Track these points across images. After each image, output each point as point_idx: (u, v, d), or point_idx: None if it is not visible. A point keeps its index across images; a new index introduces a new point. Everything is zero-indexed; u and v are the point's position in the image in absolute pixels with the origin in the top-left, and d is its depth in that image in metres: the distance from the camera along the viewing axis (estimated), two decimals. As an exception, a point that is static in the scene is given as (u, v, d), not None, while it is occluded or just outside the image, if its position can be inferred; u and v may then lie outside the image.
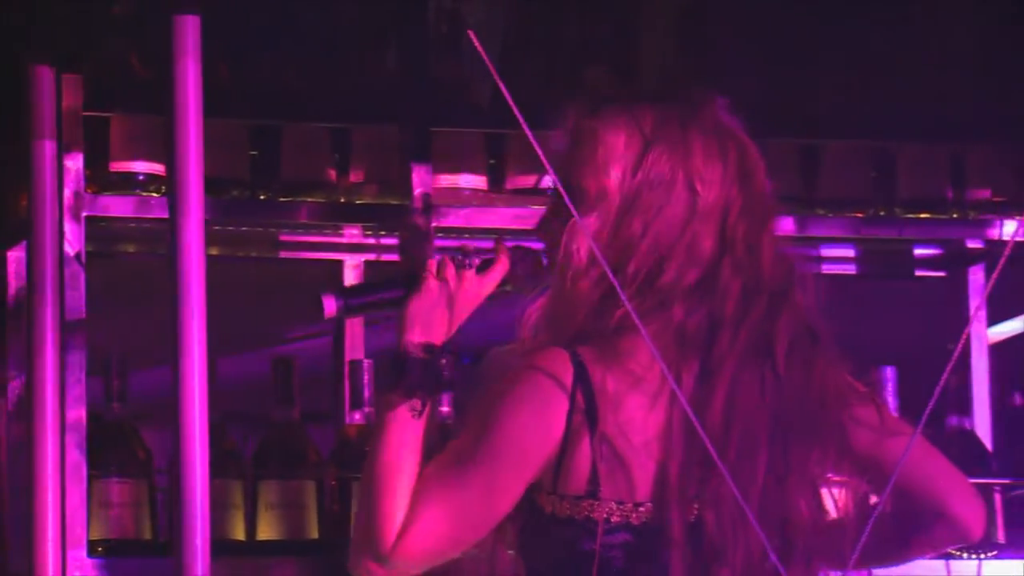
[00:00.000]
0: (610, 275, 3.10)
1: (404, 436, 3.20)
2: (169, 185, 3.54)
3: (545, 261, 3.30)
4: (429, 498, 3.15)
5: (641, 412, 3.15)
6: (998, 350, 4.88)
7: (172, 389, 3.50)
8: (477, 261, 3.24)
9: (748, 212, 3.24)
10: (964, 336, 3.69)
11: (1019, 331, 4.94)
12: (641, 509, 3.12)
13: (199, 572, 3.44)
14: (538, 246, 3.35)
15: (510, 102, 2.92)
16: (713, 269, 3.20)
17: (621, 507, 3.11)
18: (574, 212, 3.15)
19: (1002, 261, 3.88)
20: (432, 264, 3.22)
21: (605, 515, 3.11)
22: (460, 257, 3.24)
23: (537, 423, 3.14)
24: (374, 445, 3.23)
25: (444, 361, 3.21)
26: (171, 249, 3.55)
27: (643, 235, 3.22)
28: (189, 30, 3.50)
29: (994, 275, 4.49)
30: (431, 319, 3.22)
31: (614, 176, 3.22)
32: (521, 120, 2.93)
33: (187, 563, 3.42)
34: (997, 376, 4.74)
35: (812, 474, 3.23)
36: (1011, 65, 4.43)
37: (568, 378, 3.11)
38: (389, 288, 3.29)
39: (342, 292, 3.33)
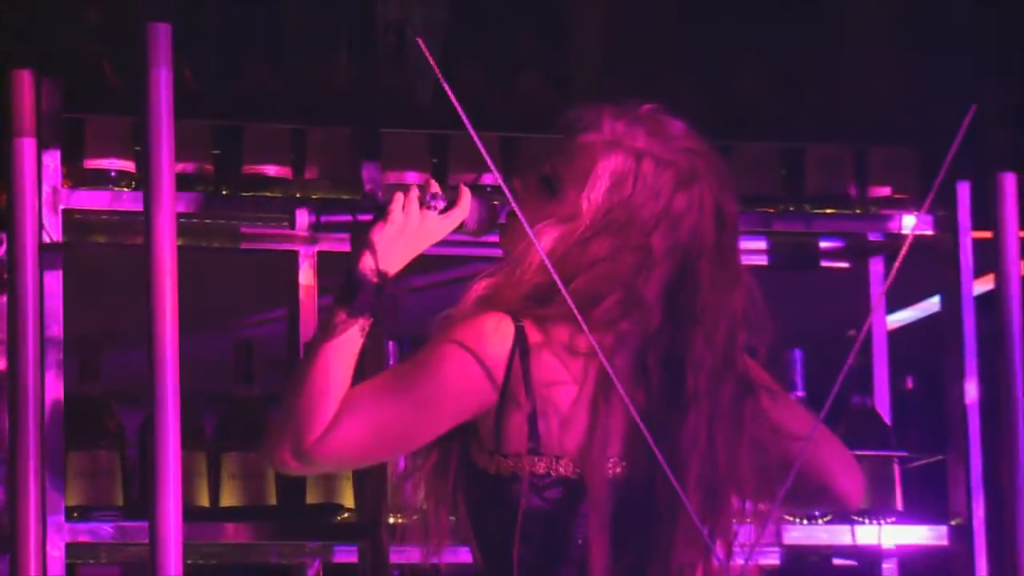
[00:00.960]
0: (563, 290, 3.07)
1: (344, 349, 3.18)
2: (145, 181, 3.49)
3: (500, 216, 3.33)
4: (358, 409, 3.15)
5: (570, 380, 3.17)
6: (893, 337, 4.90)
7: (148, 367, 3.47)
8: (442, 204, 3.23)
9: (713, 226, 3.27)
10: (867, 323, 3.69)
11: (913, 320, 4.92)
12: (572, 464, 3.14)
13: (172, 535, 3.42)
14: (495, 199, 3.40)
15: (456, 105, 2.93)
16: (665, 286, 3.24)
17: (557, 462, 3.13)
18: (514, 206, 3.19)
19: (903, 252, 3.93)
20: (399, 196, 3.22)
21: (544, 469, 3.13)
22: (427, 197, 3.23)
23: (474, 371, 3.15)
24: (314, 350, 3.20)
25: (391, 291, 3.22)
26: (146, 240, 3.52)
27: (611, 252, 3.23)
28: (161, 37, 3.45)
29: (895, 266, 4.46)
30: (389, 250, 3.23)
31: (596, 192, 3.22)
32: (466, 120, 2.96)
33: (161, 527, 3.41)
34: (893, 361, 4.72)
35: (728, 442, 3.21)
36: (912, 70, 4.51)
37: (509, 340, 3.13)
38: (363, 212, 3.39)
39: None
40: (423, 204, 3.22)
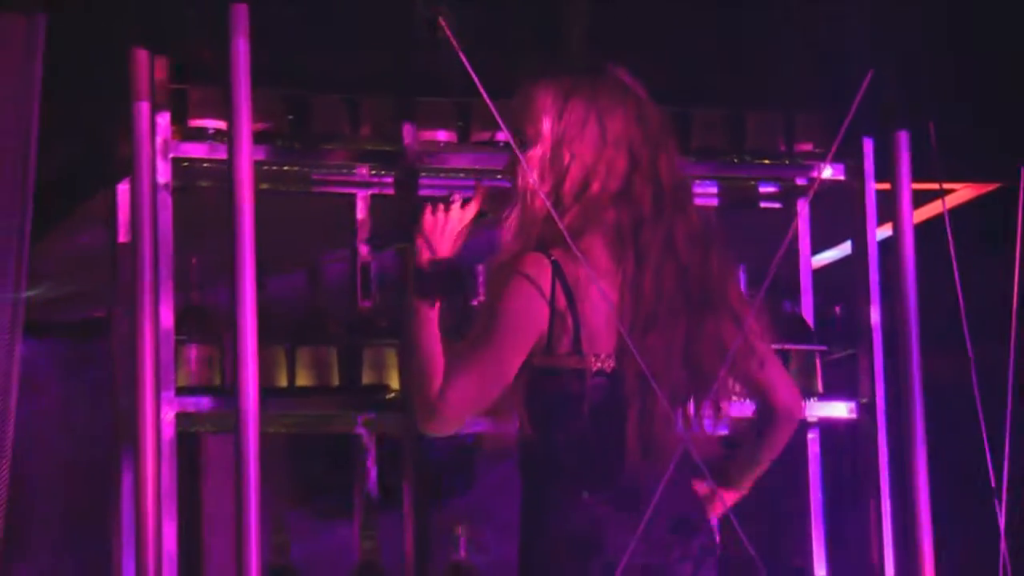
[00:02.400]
0: (543, 198, 3.21)
1: (428, 326, 3.20)
2: (228, 134, 3.52)
3: (512, 197, 3.32)
4: (458, 367, 3.16)
5: (606, 288, 3.17)
6: (824, 272, 4.88)
7: (232, 282, 3.49)
8: (459, 198, 3.26)
9: (648, 141, 3.27)
10: (789, 234, 3.62)
11: (839, 257, 4.88)
12: (609, 360, 3.16)
13: (250, 407, 3.47)
14: (504, 184, 3.40)
15: (476, 80, 3.13)
16: (629, 182, 3.23)
17: (596, 359, 3.16)
18: (519, 154, 3.25)
19: (812, 191, 3.94)
20: (427, 207, 3.25)
21: (582, 365, 3.15)
22: (448, 199, 3.26)
23: (527, 308, 3.17)
24: (411, 338, 3.24)
25: (450, 269, 3.24)
26: (228, 183, 3.53)
27: (571, 162, 3.25)
28: (240, 16, 3.43)
29: (807, 200, 4.48)
30: (433, 243, 3.24)
31: (544, 124, 3.26)
32: (483, 92, 3.14)
33: (243, 400, 3.47)
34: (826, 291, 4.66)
35: (716, 335, 3.23)
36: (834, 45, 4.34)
37: (547, 273, 3.15)
38: (401, 237, 3.38)
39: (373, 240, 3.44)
40: (446, 205, 3.25)
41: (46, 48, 3.79)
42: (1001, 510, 3.85)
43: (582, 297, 3.17)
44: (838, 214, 4.57)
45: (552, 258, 3.16)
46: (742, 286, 4.23)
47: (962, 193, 4.87)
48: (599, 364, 3.18)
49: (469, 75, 3.22)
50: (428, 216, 3.29)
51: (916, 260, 4.17)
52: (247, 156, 3.51)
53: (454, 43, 3.22)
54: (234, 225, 3.52)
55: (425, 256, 3.30)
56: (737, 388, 3.37)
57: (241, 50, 3.40)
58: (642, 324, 3.19)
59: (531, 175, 3.25)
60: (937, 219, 4.69)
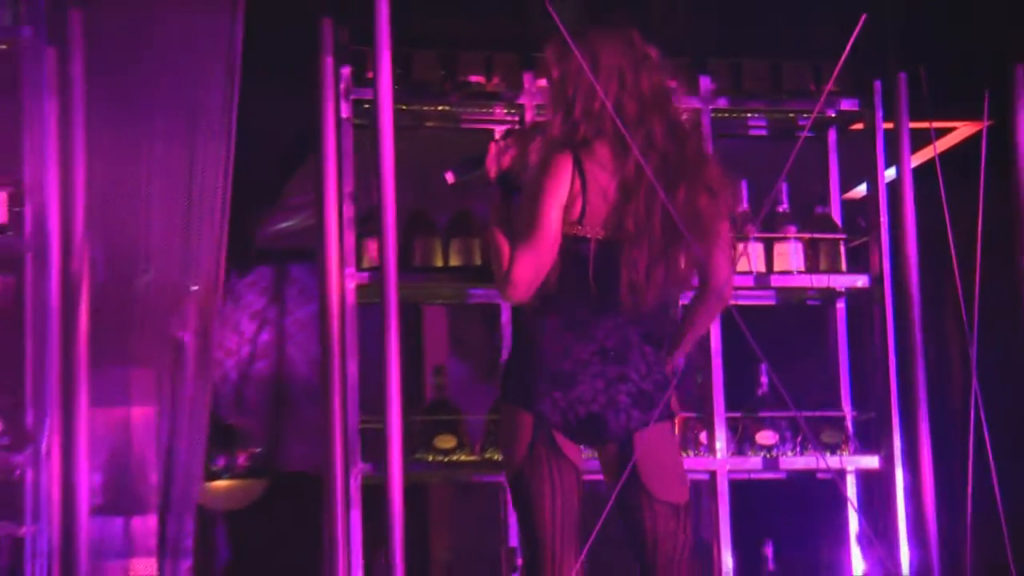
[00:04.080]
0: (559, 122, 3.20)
1: (500, 220, 3.26)
2: (375, 82, 3.28)
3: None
4: (518, 249, 3.16)
5: (604, 180, 3.18)
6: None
7: (379, 200, 3.26)
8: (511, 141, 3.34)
9: (633, 66, 3.22)
10: (791, 157, 3.38)
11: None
12: (606, 230, 3.16)
13: (391, 281, 3.23)
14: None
15: (561, 28, 3.10)
16: (618, 98, 3.19)
17: (594, 228, 3.16)
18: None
19: (817, 111, 3.93)
20: (492, 146, 3.33)
21: (585, 233, 3.16)
22: (502, 136, 3.38)
23: (558, 191, 3.16)
24: (490, 229, 3.27)
25: (507, 177, 3.30)
26: (373, 120, 3.30)
27: (575, 92, 3.21)
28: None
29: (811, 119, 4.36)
30: (499, 162, 3.31)
31: (554, 71, 3.27)
32: (574, 49, 3.11)
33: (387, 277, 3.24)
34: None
35: (689, 202, 3.17)
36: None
37: (570, 165, 3.17)
38: (478, 163, 3.35)
39: (455, 168, 3.38)
40: (503, 137, 3.37)
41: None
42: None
43: (591, 183, 3.17)
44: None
45: (576, 154, 3.17)
46: (785, 201, 4.11)
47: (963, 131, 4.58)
48: (594, 233, 3.17)
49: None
50: (492, 145, 3.37)
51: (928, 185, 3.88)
52: (388, 100, 3.32)
53: (555, 17, 3.17)
54: (379, 151, 3.33)
55: (492, 173, 3.34)
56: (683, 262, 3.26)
57: (383, 10, 3.27)
58: (626, 200, 3.17)
59: (549, 107, 3.30)
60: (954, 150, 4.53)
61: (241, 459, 5.36)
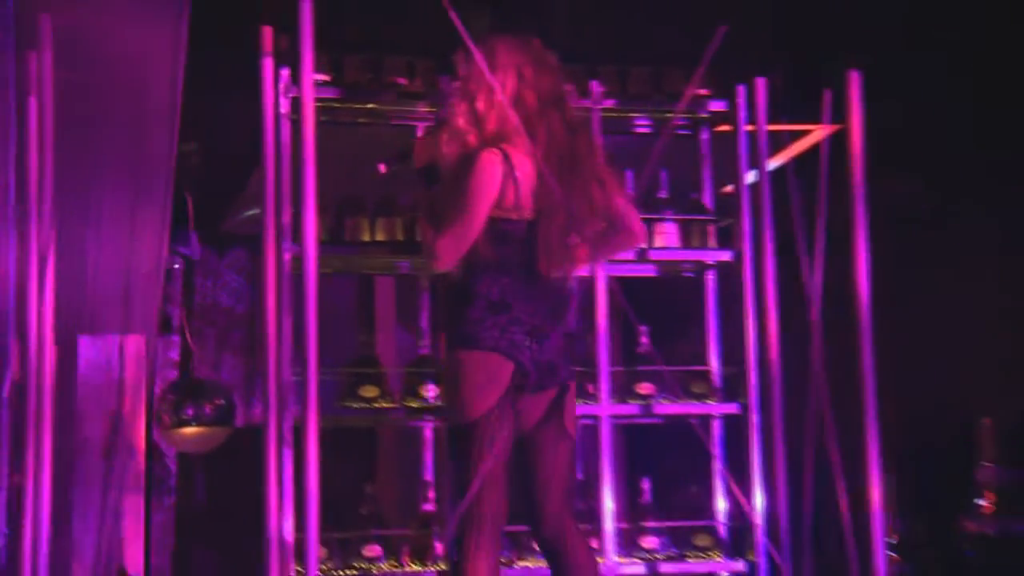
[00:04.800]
0: (463, 119, 3.17)
1: (425, 204, 3.29)
2: (299, 82, 3.32)
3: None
4: (445, 229, 3.13)
5: (528, 167, 3.16)
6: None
7: (297, 186, 3.31)
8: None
9: (531, 64, 3.23)
10: (659, 145, 3.44)
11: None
12: (530, 212, 3.16)
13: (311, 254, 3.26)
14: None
15: (468, 42, 3.10)
16: (518, 93, 3.20)
17: (521, 211, 3.15)
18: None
19: (677, 110, 3.82)
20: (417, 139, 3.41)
21: (515, 216, 3.15)
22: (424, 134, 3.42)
23: (491, 181, 3.13)
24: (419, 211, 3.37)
25: (434, 168, 3.29)
26: (298, 114, 3.32)
27: (478, 88, 3.20)
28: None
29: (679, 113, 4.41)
30: (424, 155, 3.32)
31: (461, 70, 3.24)
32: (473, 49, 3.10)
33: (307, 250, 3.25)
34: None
35: (584, 191, 3.20)
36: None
37: (500, 162, 3.13)
38: (406, 156, 3.38)
39: (387, 160, 3.39)
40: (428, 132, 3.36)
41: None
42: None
43: (520, 173, 3.15)
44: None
45: (504, 152, 3.14)
46: (664, 189, 4.09)
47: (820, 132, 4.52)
48: (526, 215, 3.17)
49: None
50: (419, 139, 3.40)
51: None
52: (309, 95, 3.36)
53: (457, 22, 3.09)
54: (303, 143, 3.32)
55: (418, 163, 3.35)
56: (600, 224, 3.27)
57: (307, 22, 3.28)
58: (545, 187, 3.16)
59: (459, 107, 3.21)
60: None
61: (207, 409, 5.34)
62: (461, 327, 3.11)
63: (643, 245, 3.37)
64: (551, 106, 3.20)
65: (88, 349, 4.14)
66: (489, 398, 3.05)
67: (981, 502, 4.63)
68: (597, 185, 3.22)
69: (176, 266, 5.33)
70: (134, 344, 4.59)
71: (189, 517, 5.68)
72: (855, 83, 3.61)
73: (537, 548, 3.30)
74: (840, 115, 3.76)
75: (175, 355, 5.54)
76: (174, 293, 5.61)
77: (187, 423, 5.15)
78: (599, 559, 3.69)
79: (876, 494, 3.63)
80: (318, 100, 3.68)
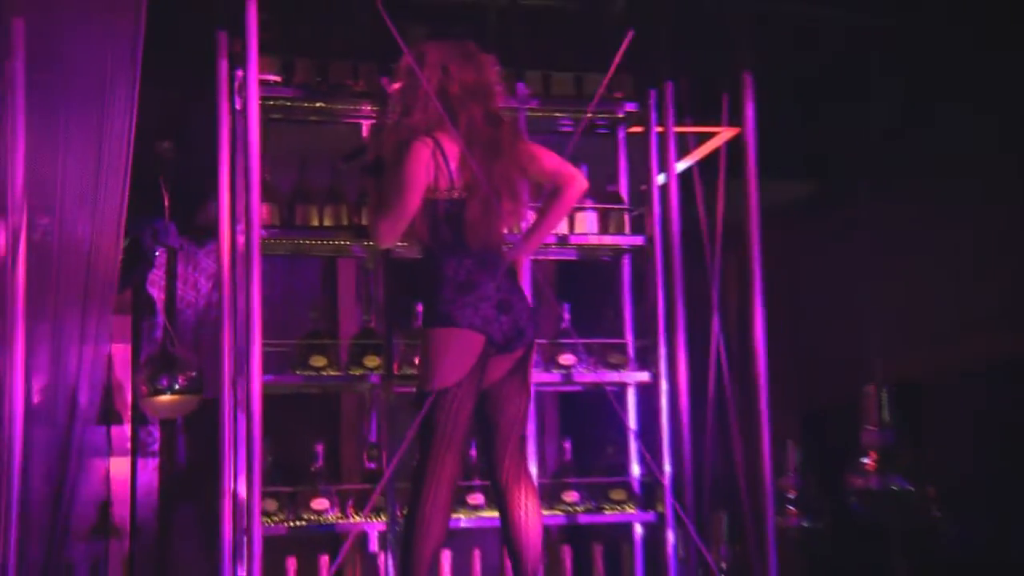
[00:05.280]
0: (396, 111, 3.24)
1: (370, 192, 3.35)
2: (245, 83, 3.38)
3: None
4: (385, 211, 3.20)
5: (456, 149, 3.21)
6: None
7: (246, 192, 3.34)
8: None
9: (455, 60, 3.27)
10: (575, 136, 3.53)
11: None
12: (460, 192, 3.20)
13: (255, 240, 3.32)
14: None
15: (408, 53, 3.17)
16: (442, 86, 3.25)
17: (452, 191, 3.20)
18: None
19: (587, 112, 3.79)
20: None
21: (449, 196, 3.20)
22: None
23: (425, 167, 3.20)
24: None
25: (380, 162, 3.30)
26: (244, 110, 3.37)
27: (408, 86, 3.27)
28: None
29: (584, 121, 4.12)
30: (371, 150, 3.36)
31: (397, 72, 3.31)
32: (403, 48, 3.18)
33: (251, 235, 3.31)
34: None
35: (506, 175, 3.22)
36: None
37: (431, 146, 3.20)
38: (360, 152, 3.45)
39: (344, 156, 3.46)
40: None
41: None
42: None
43: (451, 157, 3.21)
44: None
45: (432, 137, 3.20)
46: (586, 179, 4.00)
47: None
48: (458, 194, 3.22)
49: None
50: (370, 134, 3.49)
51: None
52: (255, 97, 3.41)
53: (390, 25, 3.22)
54: (248, 137, 3.36)
55: (369, 156, 3.40)
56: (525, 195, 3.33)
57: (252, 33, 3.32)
58: (470, 170, 3.21)
59: (395, 103, 3.29)
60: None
61: (180, 380, 5.38)
62: (436, 307, 3.18)
63: (586, 187, 3.40)
64: (473, 98, 3.25)
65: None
66: (460, 370, 3.11)
67: (865, 460, 4.74)
68: (519, 171, 3.28)
69: (157, 254, 5.35)
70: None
71: (171, 478, 5.74)
72: (748, 85, 3.65)
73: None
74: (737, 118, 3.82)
75: (159, 335, 5.54)
76: (156, 278, 5.67)
77: (162, 392, 5.25)
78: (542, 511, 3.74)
79: (766, 453, 3.72)
80: (271, 99, 3.81)
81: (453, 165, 3.22)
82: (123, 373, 5.87)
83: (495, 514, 3.46)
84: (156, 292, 5.72)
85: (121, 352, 5.82)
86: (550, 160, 3.37)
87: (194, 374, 5.29)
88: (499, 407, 3.26)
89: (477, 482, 3.80)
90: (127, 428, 5.78)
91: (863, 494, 4.63)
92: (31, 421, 3.25)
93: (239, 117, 3.64)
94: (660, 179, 4.06)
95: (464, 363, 3.11)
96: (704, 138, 4.17)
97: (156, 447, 5.87)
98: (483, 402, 3.25)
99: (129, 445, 5.77)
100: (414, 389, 3.27)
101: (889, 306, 5.03)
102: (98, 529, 5.47)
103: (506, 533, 3.25)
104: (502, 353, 3.23)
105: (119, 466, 5.68)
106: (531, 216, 3.45)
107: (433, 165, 3.21)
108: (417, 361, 3.42)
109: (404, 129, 3.25)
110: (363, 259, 4.12)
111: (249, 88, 3.28)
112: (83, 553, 5.40)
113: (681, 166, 4.08)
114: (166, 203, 4.96)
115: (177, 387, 5.30)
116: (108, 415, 5.63)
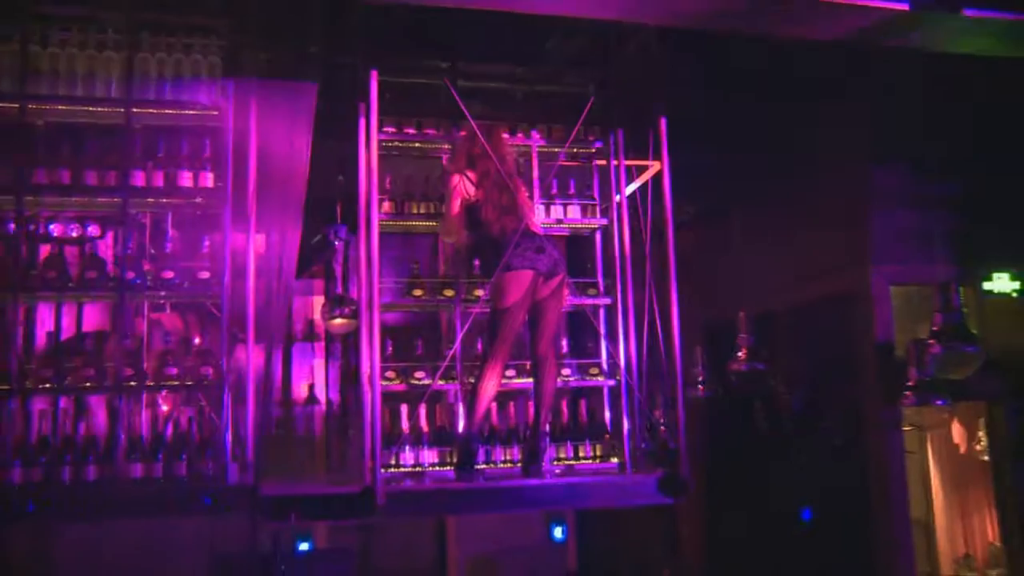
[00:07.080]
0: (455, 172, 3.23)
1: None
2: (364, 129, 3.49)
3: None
4: (445, 213, 3.39)
5: (475, 178, 3.40)
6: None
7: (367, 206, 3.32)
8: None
9: (484, 134, 3.48)
10: (558, 163, 3.54)
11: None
12: (490, 202, 3.43)
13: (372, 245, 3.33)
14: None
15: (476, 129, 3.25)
16: (472, 154, 3.48)
17: (484, 200, 3.41)
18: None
19: (558, 146, 3.77)
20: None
21: (477, 199, 3.34)
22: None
23: (459, 185, 3.42)
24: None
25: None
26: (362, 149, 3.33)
27: (458, 144, 3.30)
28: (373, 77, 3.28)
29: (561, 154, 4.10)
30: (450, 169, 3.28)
31: (459, 135, 3.39)
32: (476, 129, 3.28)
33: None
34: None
35: (511, 201, 3.51)
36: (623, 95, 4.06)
37: (459, 179, 3.33)
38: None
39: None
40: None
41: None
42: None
43: (468, 183, 3.43)
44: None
45: (463, 173, 3.52)
46: (572, 187, 4.26)
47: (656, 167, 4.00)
48: (487, 200, 3.45)
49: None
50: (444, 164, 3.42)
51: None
52: (374, 139, 3.43)
53: (463, 106, 3.21)
54: (369, 166, 3.43)
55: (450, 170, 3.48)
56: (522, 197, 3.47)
57: (373, 105, 3.32)
58: (483, 189, 3.48)
59: (451, 151, 3.46)
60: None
61: (347, 311, 5.45)
62: (505, 260, 3.44)
63: (534, 216, 3.47)
64: (487, 157, 3.58)
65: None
66: (517, 294, 3.28)
67: (740, 354, 5.30)
68: (511, 192, 3.59)
69: (337, 244, 5.72)
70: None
71: (344, 371, 5.88)
72: (663, 126, 3.81)
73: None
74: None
75: (339, 288, 5.86)
76: (339, 258, 6.01)
77: (335, 319, 5.68)
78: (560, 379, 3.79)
79: (678, 351, 3.72)
80: (388, 143, 4.08)
81: (471, 187, 3.49)
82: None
83: (523, 381, 3.80)
84: (336, 266, 6.03)
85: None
86: (521, 193, 3.62)
87: (354, 307, 5.54)
88: (543, 313, 3.45)
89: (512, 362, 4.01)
90: (323, 343, 6.13)
91: (739, 374, 5.22)
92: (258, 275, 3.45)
93: (377, 154, 3.73)
94: (617, 199, 4.20)
95: (520, 290, 3.31)
96: (642, 171, 4.27)
97: (338, 353, 6.23)
98: (534, 309, 3.42)
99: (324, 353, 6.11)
100: (475, 309, 3.57)
101: (754, 270, 5.55)
102: (308, 400, 5.91)
103: (536, 388, 3.51)
104: (547, 280, 3.42)
105: (319, 366, 6.09)
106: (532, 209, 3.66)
107: (464, 190, 3.47)
108: (485, 293, 3.59)
109: (452, 166, 3.61)
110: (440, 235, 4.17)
111: (371, 137, 3.53)
112: (299, 413, 5.76)
113: (631, 188, 4.21)
114: (339, 212, 5.36)
115: (345, 314, 5.70)
116: (311, 335, 6.00)
